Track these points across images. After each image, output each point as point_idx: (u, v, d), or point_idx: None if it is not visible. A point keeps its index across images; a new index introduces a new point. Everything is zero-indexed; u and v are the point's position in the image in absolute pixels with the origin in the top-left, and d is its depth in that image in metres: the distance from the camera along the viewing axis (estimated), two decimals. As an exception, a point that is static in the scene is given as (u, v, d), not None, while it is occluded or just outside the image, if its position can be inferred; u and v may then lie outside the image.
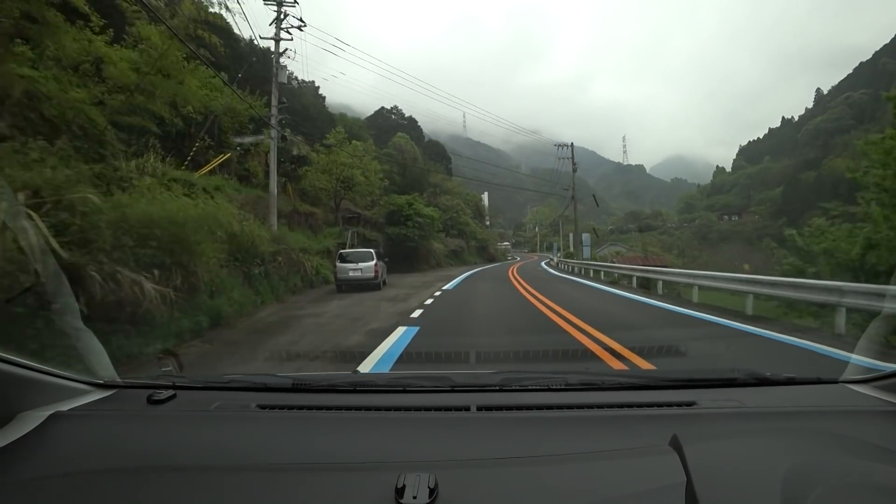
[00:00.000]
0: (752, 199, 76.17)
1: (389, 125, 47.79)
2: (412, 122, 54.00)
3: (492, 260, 49.85)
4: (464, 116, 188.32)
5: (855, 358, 1.75)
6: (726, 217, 70.77)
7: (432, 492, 0.87)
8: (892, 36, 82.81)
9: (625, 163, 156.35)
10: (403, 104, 55.50)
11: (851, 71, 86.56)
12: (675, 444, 1.00)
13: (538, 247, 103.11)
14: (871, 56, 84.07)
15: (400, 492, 0.86)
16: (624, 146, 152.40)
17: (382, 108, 53.71)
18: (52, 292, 1.57)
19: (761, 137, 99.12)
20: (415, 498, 0.86)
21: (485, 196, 75.92)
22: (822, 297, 7.45)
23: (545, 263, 43.98)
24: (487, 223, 54.75)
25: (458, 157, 58.25)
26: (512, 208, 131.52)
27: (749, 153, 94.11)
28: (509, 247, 77.78)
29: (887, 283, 7.38)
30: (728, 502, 0.84)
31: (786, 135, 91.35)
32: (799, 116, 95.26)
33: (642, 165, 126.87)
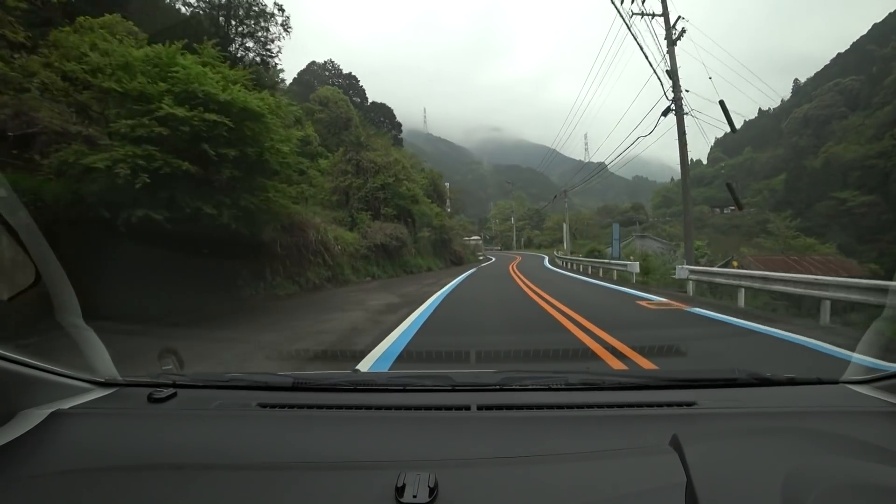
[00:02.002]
0: (738, 190, 67.78)
1: (321, 84, 33.67)
2: (351, 80, 40.54)
3: (458, 261, 33.81)
4: (424, 111, 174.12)
5: (856, 358, 1.74)
6: (717, 210, 61.81)
7: (432, 491, 0.88)
8: (871, 26, 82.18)
9: (586, 160, 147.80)
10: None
11: (829, 62, 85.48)
12: (676, 444, 1.02)
13: (514, 243, 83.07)
14: (849, 46, 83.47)
15: (400, 490, 0.88)
16: (585, 144, 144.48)
17: (313, 62, 39.79)
18: (52, 290, 1.52)
19: (738, 129, 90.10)
20: (415, 497, 0.87)
21: (446, 186, 62.24)
22: None
23: (555, 266, 31.05)
24: (449, 209, 40.20)
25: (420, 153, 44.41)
26: (475, 204, 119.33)
27: (726, 145, 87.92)
28: (480, 242, 60.47)
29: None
30: (728, 503, 0.85)
31: (766, 126, 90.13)
32: (774, 108, 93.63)
33: (604, 163, 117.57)
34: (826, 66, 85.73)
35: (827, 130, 64.69)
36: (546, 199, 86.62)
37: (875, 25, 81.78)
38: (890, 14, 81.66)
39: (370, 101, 43.22)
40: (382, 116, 41.49)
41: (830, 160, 52.88)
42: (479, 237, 61.77)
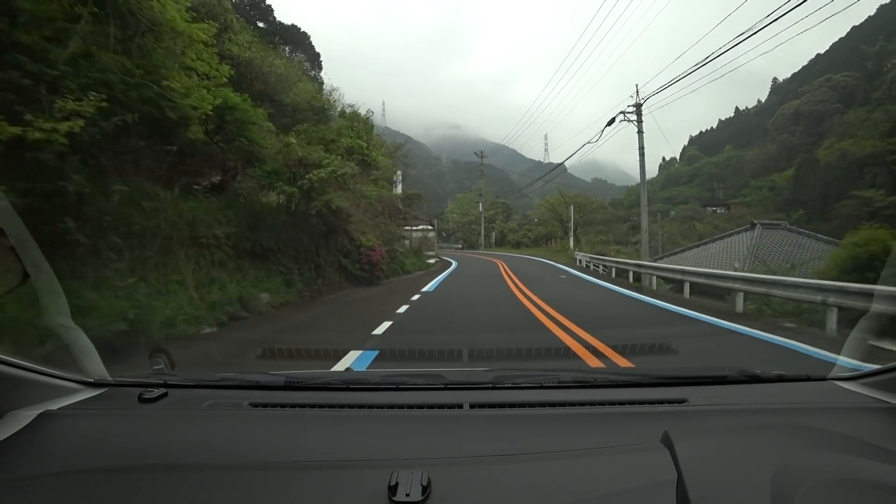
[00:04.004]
0: (725, 189, 61.13)
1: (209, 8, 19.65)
2: (256, -4, 26.36)
3: (368, 276, 14.32)
4: (383, 104, 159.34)
5: (843, 356, 1.77)
6: (710, 209, 53.45)
7: (425, 489, 0.89)
8: (848, 30, 78.86)
9: (545, 161, 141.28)
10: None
11: (807, 63, 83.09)
12: (667, 441, 1.04)
13: (483, 239, 62.46)
14: (827, 47, 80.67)
15: (393, 489, 0.89)
16: (546, 144, 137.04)
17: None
18: (40, 290, 1.52)
19: (714, 128, 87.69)
20: (408, 495, 0.88)
21: (398, 175, 46.88)
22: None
23: None
24: (398, 181, 24.15)
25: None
26: (433, 201, 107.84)
27: (702, 143, 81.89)
28: (432, 235, 39.51)
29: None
30: (718, 498, 0.87)
31: (747, 124, 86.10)
32: (751, 108, 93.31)
33: (563, 164, 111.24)
34: (803, 68, 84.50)
35: (822, 127, 61.14)
36: (506, 198, 71.23)
37: (854, 28, 79.20)
38: (869, 17, 78.04)
39: (276, 20, 28.77)
40: (294, 44, 27.68)
41: (847, 154, 44.47)
42: (431, 227, 37.86)
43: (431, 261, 27.05)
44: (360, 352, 4.81)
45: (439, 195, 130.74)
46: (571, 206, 43.20)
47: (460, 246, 64.58)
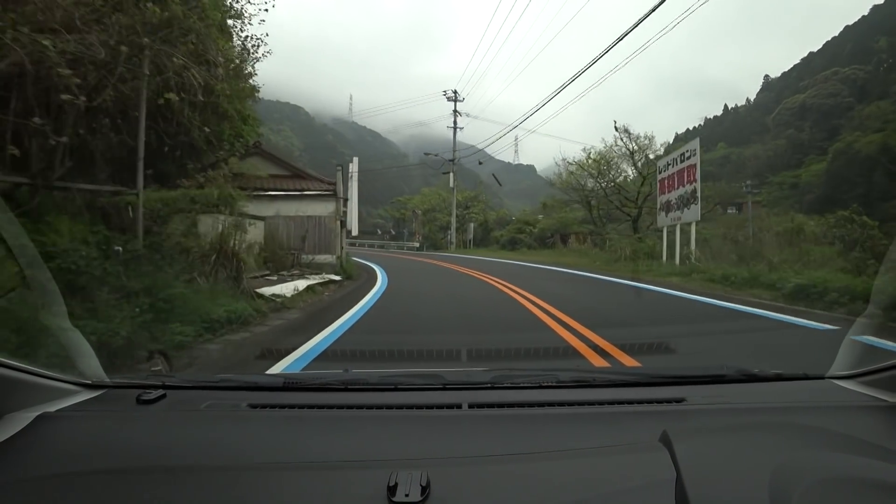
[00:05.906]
0: (729, 186, 55.37)
1: None
2: None
3: None
4: (350, 98, 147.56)
5: (841, 354, 1.75)
6: (718, 209, 44.66)
7: (424, 489, 0.90)
8: (841, 29, 74.20)
9: (515, 162, 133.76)
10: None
11: (799, 61, 78.06)
12: (665, 441, 1.05)
13: (455, 235, 42.42)
14: (820, 46, 76.24)
15: (392, 490, 0.90)
16: (516, 145, 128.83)
17: None
18: (38, 292, 1.52)
19: (702, 125, 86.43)
20: (407, 496, 0.88)
21: (354, 161, 39.78)
22: None
23: None
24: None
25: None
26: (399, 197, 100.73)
27: (689, 140, 72.56)
28: (326, 215, 14.79)
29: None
30: (717, 497, 0.89)
31: (741, 120, 78.14)
32: (741, 106, 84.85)
33: (533, 166, 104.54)
34: (795, 66, 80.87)
35: (834, 121, 55.33)
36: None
37: (847, 27, 75.74)
38: (863, 17, 74.51)
39: None
40: None
41: (890, 147, 37.36)
42: (328, 191, 15.36)
43: (300, 285, 9.97)
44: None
45: (405, 193, 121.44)
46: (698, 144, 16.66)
47: (417, 244, 46.97)
